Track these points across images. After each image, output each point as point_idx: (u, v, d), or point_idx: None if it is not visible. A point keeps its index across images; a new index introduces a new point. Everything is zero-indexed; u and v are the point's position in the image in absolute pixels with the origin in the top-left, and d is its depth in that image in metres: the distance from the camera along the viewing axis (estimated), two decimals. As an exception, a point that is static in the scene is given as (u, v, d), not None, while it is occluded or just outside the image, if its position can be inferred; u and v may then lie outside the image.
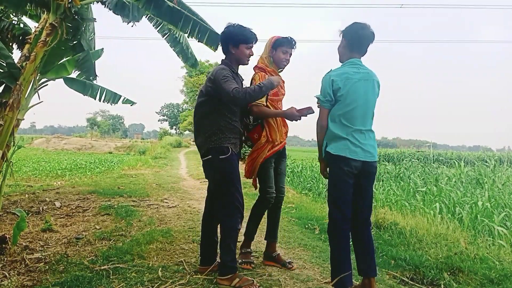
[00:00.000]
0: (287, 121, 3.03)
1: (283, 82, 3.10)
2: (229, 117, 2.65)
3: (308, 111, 2.77)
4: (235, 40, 2.72)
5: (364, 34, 2.54)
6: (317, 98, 2.61)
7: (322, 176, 2.71)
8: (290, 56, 3.05)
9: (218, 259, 2.82)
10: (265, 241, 3.17)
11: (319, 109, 2.62)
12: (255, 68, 3.05)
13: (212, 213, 2.85)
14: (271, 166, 2.98)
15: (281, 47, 2.99)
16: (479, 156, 17.00)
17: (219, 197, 2.68)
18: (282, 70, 3.12)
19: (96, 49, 5.96)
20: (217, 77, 2.56)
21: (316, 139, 2.68)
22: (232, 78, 2.58)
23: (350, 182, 2.48)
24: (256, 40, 2.79)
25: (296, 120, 2.83)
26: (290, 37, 3.01)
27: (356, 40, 2.55)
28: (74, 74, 6.22)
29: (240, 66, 2.85)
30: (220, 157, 2.58)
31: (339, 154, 2.47)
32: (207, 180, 2.83)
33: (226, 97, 2.50)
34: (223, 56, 2.84)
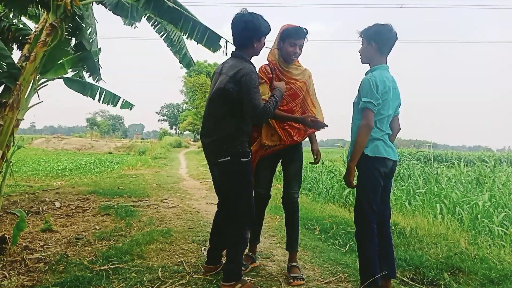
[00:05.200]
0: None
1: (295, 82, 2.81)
2: (248, 121, 2.53)
3: (321, 126, 2.69)
4: (260, 34, 2.52)
5: (392, 37, 2.56)
6: (365, 102, 2.46)
7: (348, 185, 2.55)
8: (300, 49, 2.76)
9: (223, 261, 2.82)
10: (266, 241, 3.16)
11: (365, 112, 2.45)
12: (262, 67, 2.81)
13: (224, 219, 2.77)
14: (264, 168, 2.88)
15: (289, 39, 2.71)
16: (479, 156, 16.96)
17: (231, 201, 2.59)
18: (292, 63, 2.81)
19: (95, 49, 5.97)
20: (247, 83, 2.35)
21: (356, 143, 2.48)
22: (258, 88, 2.42)
23: (382, 185, 2.53)
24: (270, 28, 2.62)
25: (311, 128, 2.75)
26: (300, 27, 2.72)
27: (386, 43, 2.57)
28: (74, 74, 6.25)
29: None
30: (242, 159, 2.47)
31: (377, 155, 2.48)
32: (207, 181, 2.82)
33: (251, 111, 2.36)
34: (230, 49, 2.69)
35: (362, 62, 2.70)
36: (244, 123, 2.50)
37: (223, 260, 2.85)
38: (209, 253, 2.86)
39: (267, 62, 2.85)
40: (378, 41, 2.56)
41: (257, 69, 2.65)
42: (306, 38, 2.76)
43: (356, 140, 2.46)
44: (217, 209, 2.89)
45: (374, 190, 2.49)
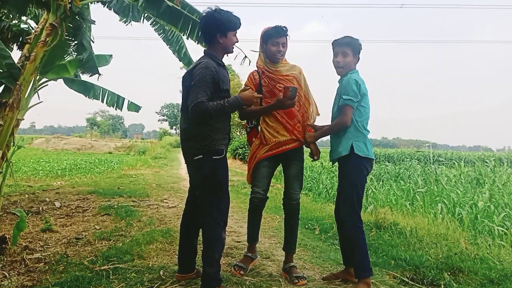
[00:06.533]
0: (297, 116, 2.83)
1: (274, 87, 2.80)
2: (220, 119, 2.48)
3: (291, 91, 2.58)
4: (224, 28, 2.47)
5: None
6: (346, 99, 2.59)
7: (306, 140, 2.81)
8: (284, 47, 2.79)
9: (199, 268, 2.73)
10: (266, 241, 3.16)
11: (345, 109, 2.60)
12: (250, 74, 2.89)
13: (194, 217, 2.68)
14: (264, 166, 2.84)
15: (271, 39, 2.76)
16: (479, 156, 16.98)
17: (204, 202, 2.48)
18: (279, 62, 2.83)
19: (94, 49, 5.94)
20: (195, 77, 2.35)
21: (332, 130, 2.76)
22: (208, 84, 2.34)
23: (366, 182, 2.77)
24: (240, 24, 2.56)
25: (290, 106, 2.67)
26: (279, 26, 2.76)
27: (359, 54, 2.73)
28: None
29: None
30: (214, 157, 2.42)
31: (366, 156, 2.63)
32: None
33: (189, 103, 2.33)
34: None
35: (340, 74, 2.76)
36: (216, 121, 2.44)
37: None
38: (181, 260, 2.70)
39: (256, 69, 2.91)
40: (357, 53, 2.71)
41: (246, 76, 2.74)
42: (287, 35, 2.81)
43: (332, 128, 2.73)
44: (185, 210, 2.76)
45: (362, 188, 2.69)
